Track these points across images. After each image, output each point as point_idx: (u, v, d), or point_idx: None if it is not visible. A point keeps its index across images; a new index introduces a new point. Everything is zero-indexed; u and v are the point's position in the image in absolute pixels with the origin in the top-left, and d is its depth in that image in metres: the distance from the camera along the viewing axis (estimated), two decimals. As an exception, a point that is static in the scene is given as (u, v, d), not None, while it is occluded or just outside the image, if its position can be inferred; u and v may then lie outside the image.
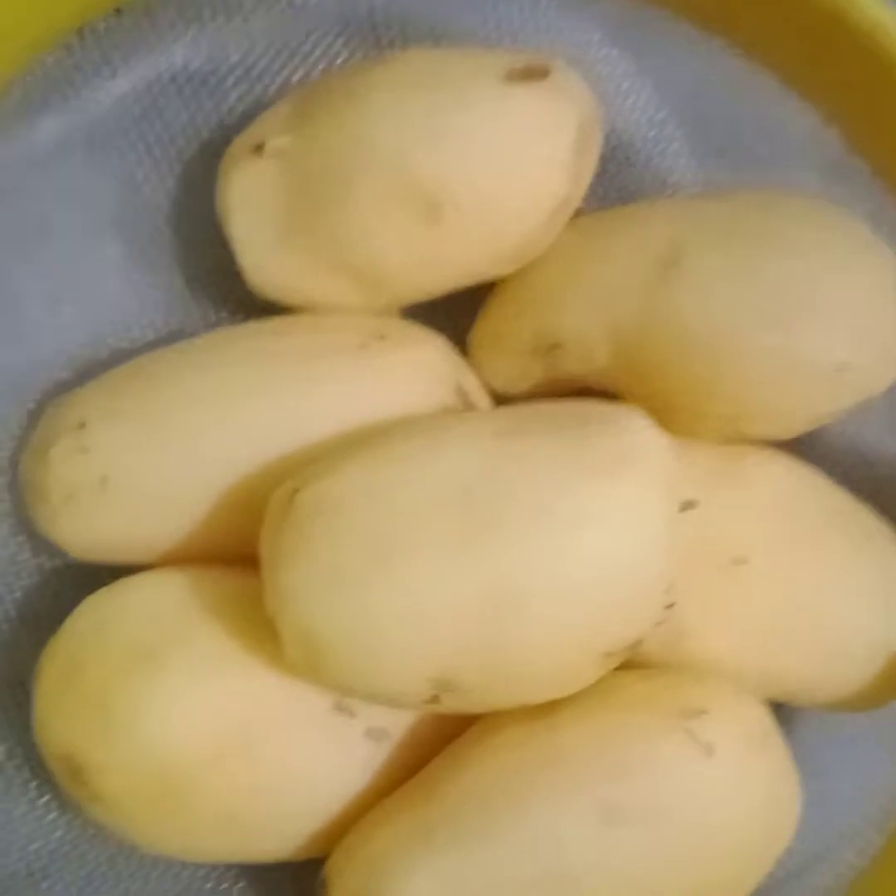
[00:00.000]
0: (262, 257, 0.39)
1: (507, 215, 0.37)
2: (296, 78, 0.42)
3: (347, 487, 0.33)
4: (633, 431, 0.34)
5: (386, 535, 0.32)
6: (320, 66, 0.42)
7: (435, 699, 0.33)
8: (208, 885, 0.39)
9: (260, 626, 0.34)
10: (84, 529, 0.38)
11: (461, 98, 0.36)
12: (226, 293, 0.43)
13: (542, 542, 0.32)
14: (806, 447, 0.40)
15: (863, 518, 0.38)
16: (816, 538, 0.37)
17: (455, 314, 0.41)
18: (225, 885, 0.39)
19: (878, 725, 0.40)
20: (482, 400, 0.40)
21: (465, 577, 0.32)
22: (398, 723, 0.36)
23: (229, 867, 0.39)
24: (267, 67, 0.42)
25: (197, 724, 0.34)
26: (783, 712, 0.38)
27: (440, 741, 0.36)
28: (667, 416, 0.36)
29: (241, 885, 0.39)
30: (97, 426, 0.37)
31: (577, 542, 0.32)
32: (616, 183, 0.42)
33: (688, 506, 0.34)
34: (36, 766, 0.38)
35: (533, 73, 0.36)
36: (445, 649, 0.32)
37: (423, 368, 0.38)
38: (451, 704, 0.34)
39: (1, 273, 0.41)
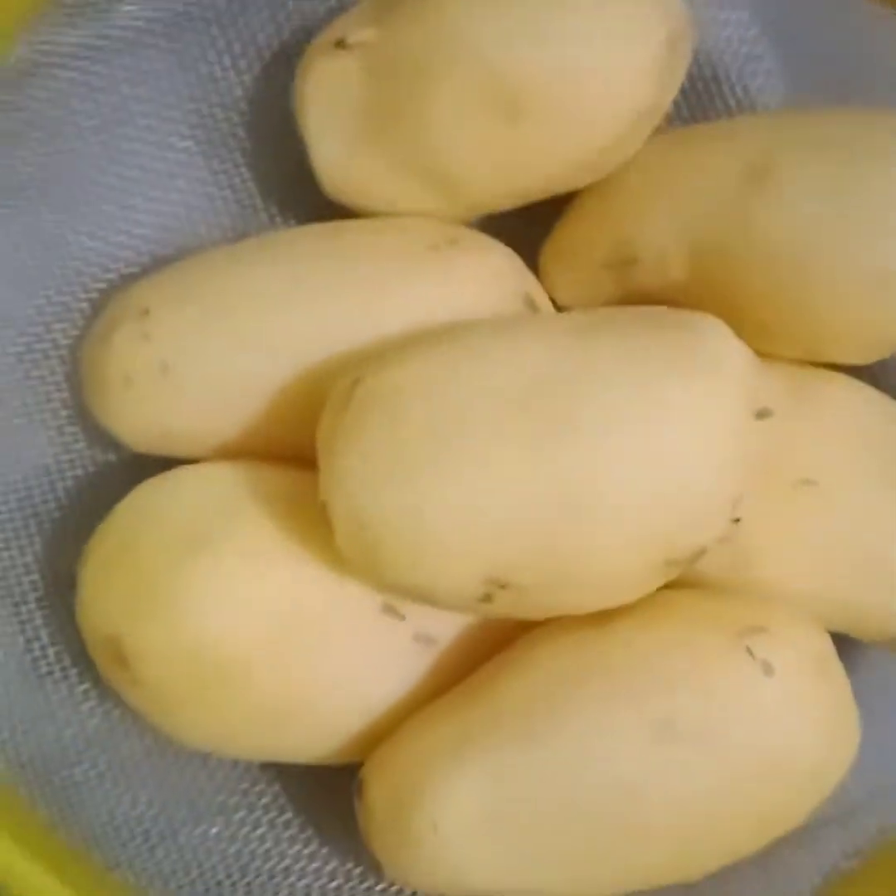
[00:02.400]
0: (337, 155, 0.38)
1: (591, 118, 0.36)
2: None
3: (410, 377, 0.33)
4: (712, 337, 0.33)
5: (447, 427, 0.32)
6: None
7: (487, 598, 0.33)
8: (243, 786, 0.38)
9: (313, 522, 0.34)
10: (142, 416, 0.37)
11: None
12: (298, 199, 0.42)
13: (611, 443, 0.31)
14: (879, 377, 0.38)
15: None
16: (888, 467, 0.36)
17: (529, 229, 0.40)
18: (260, 787, 0.39)
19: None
20: (550, 310, 0.39)
21: (528, 475, 0.31)
22: (447, 630, 0.36)
23: (265, 768, 0.39)
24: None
25: (243, 614, 0.34)
26: (846, 654, 0.36)
27: (489, 651, 0.36)
28: (743, 333, 0.35)
29: (276, 787, 0.39)
30: (160, 313, 0.37)
31: (648, 444, 0.31)
32: (703, 102, 0.42)
33: (764, 414, 0.33)
34: (77, 654, 0.38)
35: (627, -23, 0.35)
36: (502, 548, 0.32)
37: (493, 274, 0.38)
38: (504, 606, 0.33)
39: (77, 158, 0.40)
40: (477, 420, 0.31)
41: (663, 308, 0.35)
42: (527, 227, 0.40)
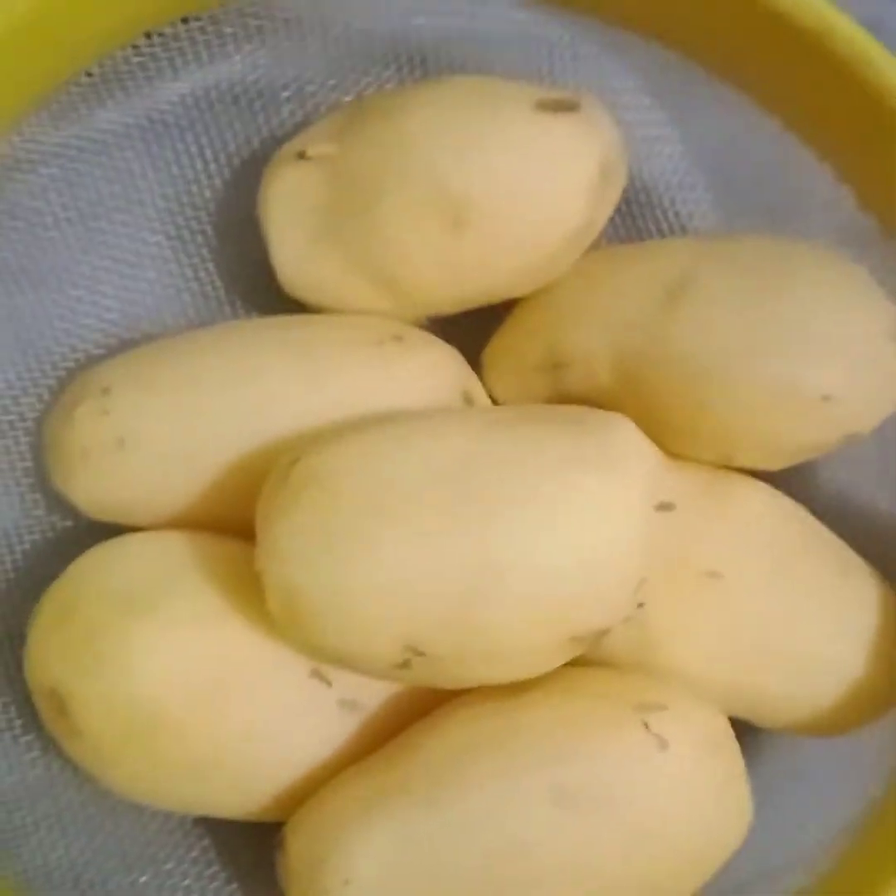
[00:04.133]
0: (294, 256, 0.41)
1: (528, 232, 0.39)
2: (346, 99, 0.45)
3: (344, 458, 0.35)
4: (621, 433, 0.36)
5: (374, 504, 0.34)
6: (369, 90, 0.45)
7: (405, 664, 0.35)
8: (174, 838, 0.40)
9: (249, 589, 0.36)
10: (97, 486, 0.40)
11: (494, 118, 0.38)
12: (259, 294, 0.45)
13: (522, 524, 0.34)
14: (796, 491, 0.41)
15: (843, 551, 0.40)
16: (794, 562, 0.39)
17: (474, 332, 0.43)
18: (190, 840, 0.41)
19: (835, 758, 0.41)
20: (487, 406, 0.42)
21: (445, 550, 0.34)
22: (372, 696, 0.38)
23: (196, 823, 0.41)
24: (319, 87, 0.45)
25: (178, 670, 0.36)
26: (750, 739, 0.39)
27: (413, 717, 0.38)
28: (661, 436, 0.38)
29: (205, 842, 0.40)
30: (120, 392, 0.39)
31: (555, 527, 0.34)
32: (637, 224, 0.45)
33: (665, 507, 0.36)
34: (22, 707, 0.40)
35: (563, 106, 0.39)
36: (420, 617, 0.34)
37: (434, 370, 0.40)
38: (421, 673, 0.35)
39: (53, 247, 0.43)
40: (400, 500, 0.34)
41: (583, 407, 0.38)
42: (473, 330, 0.43)
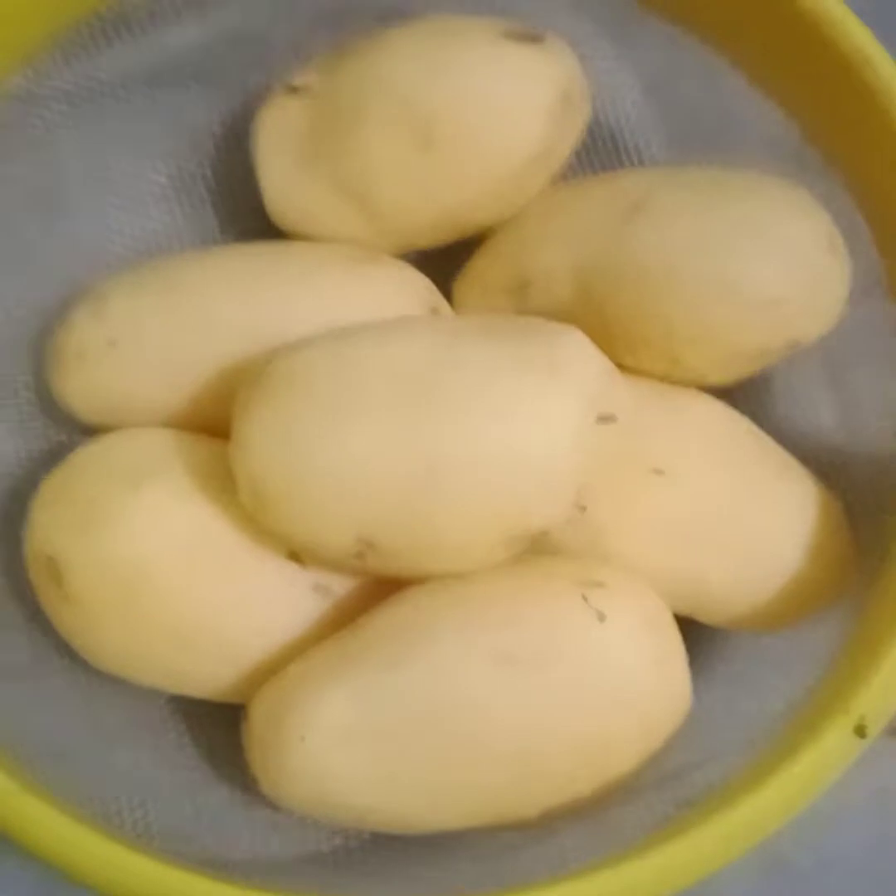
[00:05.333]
0: (281, 181, 0.44)
1: (493, 150, 0.42)
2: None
3: (312, 359, 0.38)
4: (568, 343, 0.38)
5: (335, 402, 0.37)
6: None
7: (360, 556, 0.38)
8: (152, 720, 0.43)
9: (231, 478, 0.39)
10: (90, 388, 0.43)
11: (462, 44, 0.42)
12: (254, 229, 0.47)
13: (466, 424, 0.36)
14: (744, 410, 0.43)
15: (785, 457, 0.42)
16: (737, 462, 0.41)
17: (446, 270, 0.46)
18: (167, 725, 0.43)
19: (772, 656, 0.43)
20: (451, 318, 0.44)
21: (396, 450, 0.36)
22: (344, 583, 0.40)
23: (172, 710, 0.43)
24: (309, 36, 0.47)
25: (166, 535, 0.39)
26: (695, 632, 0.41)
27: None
28: (615, 349, 0.40)
29: (181, 726, 0.43)
30: (115, 299, 0.43)
31: (496, 427, 0.36)
32: (595, 162, 0.47)
33: (606, 418, 0.37)
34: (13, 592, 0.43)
35: (528, 36, 0.42)
36: (371, 512, 0.37)
37: (404, 285, 0.43)
38: (375, 564, 0.38)
39: (59, 183, 0.46)
40: (359, 399, 0.37)
41: (540, 319, 0.40)
42: (445, 268, 0.46)
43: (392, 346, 0.38)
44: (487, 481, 0.36)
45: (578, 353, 0.37)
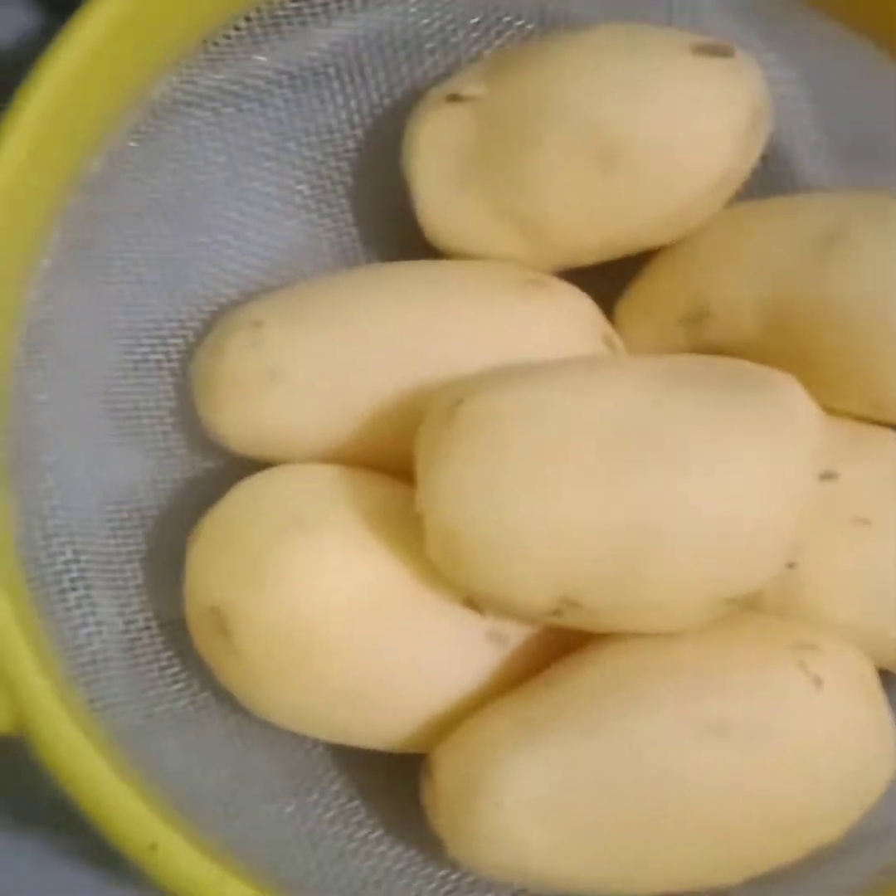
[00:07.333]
0: (438, 200, 0.42)
1: (678, 175, 0.39)
2: (488, 52, 0.45)
3: (510, 404, 0.35)
4: (788, 396, 0.35)
5: (540, 454, 0.34)
6: (513, 43, 0.45)
7: (558, 613, 0.36)
8: (316, 771, 0.41)
9: (405, 522, 0.37)
10: (247, 418, 0.40)
11: (651, 61, 0.39)
12: (397, 245, 0.45)
13: (685, 487, 0.34)
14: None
15: None
16: None
17: (606, 288, 0.44)
18: (332, 774, 0.41)
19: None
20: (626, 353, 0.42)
21: (607, 507, 0.34)
22: (520, 630, 0.38)
23: (336, 757, 0.41)
24: (463, 38, 0.45)
25: (337, 596, 0.36)
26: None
27: (558, 655, 0.38)
28: (811, 386, 0.37)
29: (346, 776, 0.41)
30: (272, 324, 0.40)
31: (719, 489, 0.34)
32: (763, 182, 0.44)
33: (829, 476, 0.36)
34: (168, 640, 0.41)
35: (718, 51, 0.39)
36: (576, 571, 0.34)
37: (576, 313, 0.41)
38: (572, 621, 0.36)
39: (203, 191, 0.44)
40: (566, 450, 0.34)
41: (744, 363, 0.38)
42: (604, 287, 0.43)
43: (594, 390, 0.35)
44: (706, 544, 0.34)
45: (800, 408, 0.35)
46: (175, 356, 0.44)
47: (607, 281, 0.44)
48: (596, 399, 0.35)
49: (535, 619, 0.37)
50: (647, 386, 0.35)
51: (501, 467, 0.35)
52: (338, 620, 0.36)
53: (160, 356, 0.44)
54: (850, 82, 0.44)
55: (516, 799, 0.35)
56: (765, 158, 0.43)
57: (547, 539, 0.34)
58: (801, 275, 0.39)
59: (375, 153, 0.46)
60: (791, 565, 0.36)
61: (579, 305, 0.41)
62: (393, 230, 0.45)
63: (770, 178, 0.45)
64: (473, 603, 0.37)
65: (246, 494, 0.39)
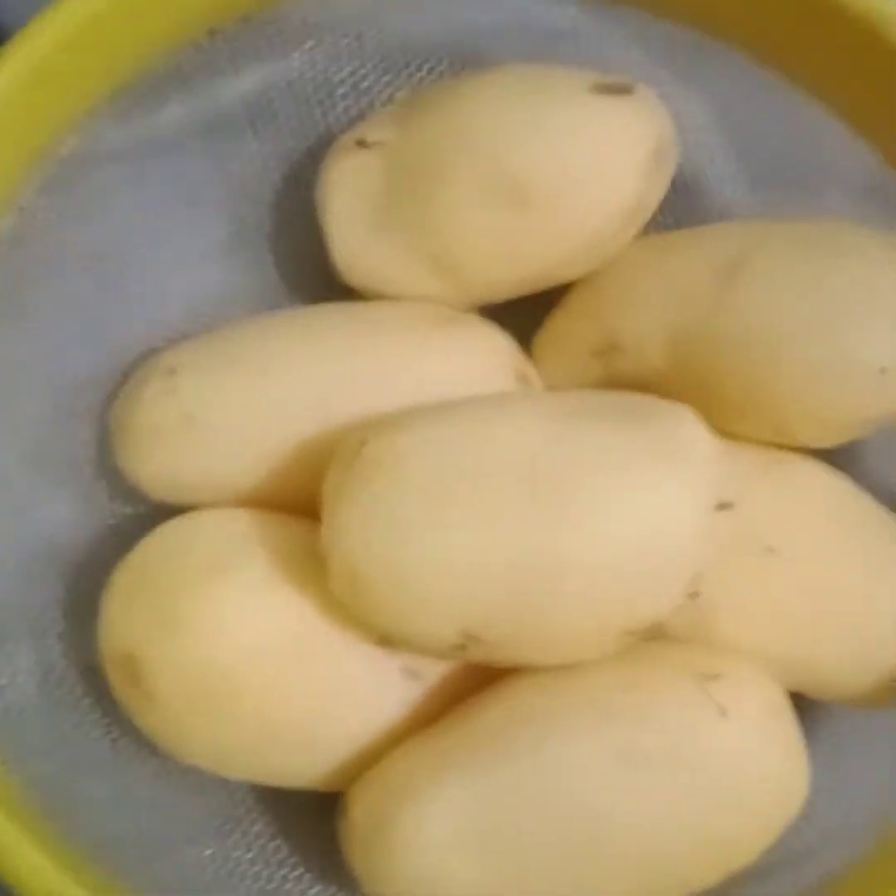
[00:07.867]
0: (352, 242, 0.42)
1: (586, 211, 0.40)
2: (399, 94, 0.46)
3: (412, 443, 0.36)
4: (684, 428, 0.36)
5: (440, 492, 0.35)
6: (424, 84, 0.46)
7: (462, 648, 0.36)
8: (237, 812, 0.41)
9: (316, 564, 0.37)
10: (164, 465, 0.41)
11: (552, 100, 0.40)
12: (317, 287, 0.45)
13: (583, 520, 0.34)
14: (843, 461, 0.42)
15: (888, 518, 0.40)
16: (849, 537, 0.39)
17: (522, 323, 0.44)
18: (252, 816, 0.41)
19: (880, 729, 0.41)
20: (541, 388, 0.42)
21: (504, 543, 0.34)
22: (434, 666, 0.39)
23: (258, 799, 0.41)
24: (374, 83, 0.46)
25: (251, 633, 0.37)
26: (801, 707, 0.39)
27: (473, 690, 0.38)
28: (714, 415, 0.38)
29: (267, 817, 0.41)
30: (186, 372, 0.41)
31: (616, 524, 0.34)
32: (677, 211, 0.45)
33: (725, 506, 0.36)
34: (88, 685, 0.41)
35: (618, 89, 0.40)
36: (476, 606, 0.35)
37: (490, 351, 0.41)
38: (477, 655, 0.36)
39: (116, 244, 0.44)
40: (467, 487, 0.35)
41: (644, 397, 0.38)
42: (520, 321, 0.44)
43: (497, 428, 0.36)
44: (602, 577, 0.34)
45: (695, 439, 0.36)
46: (95, 405, 0.44)
47: (526, 316, 0.44)
48: (497, 437, 0.36)
49: (442, 654, 0.37)
50: (548, 423, 0.36)
51: (403, 505, 0.35)
52: (252, 663, 0.37)
53: (80, 406, 0.44)
54: (760, 112, 0.44)
55: (429, 833, 0.35)
56: (678, 189, 0.44)
57: (446, 575, 0.35)
58: (705, 303, 0.40)
59: (292, 198, 0.46)
60: (694, 595, 0.36)
61: (495, 342, 0.42)
62: (312, 274, 0.45)
63: (684, 208, 0.46)
64: (385, 640, 0.38)
65: (157, 542, 0.39)
